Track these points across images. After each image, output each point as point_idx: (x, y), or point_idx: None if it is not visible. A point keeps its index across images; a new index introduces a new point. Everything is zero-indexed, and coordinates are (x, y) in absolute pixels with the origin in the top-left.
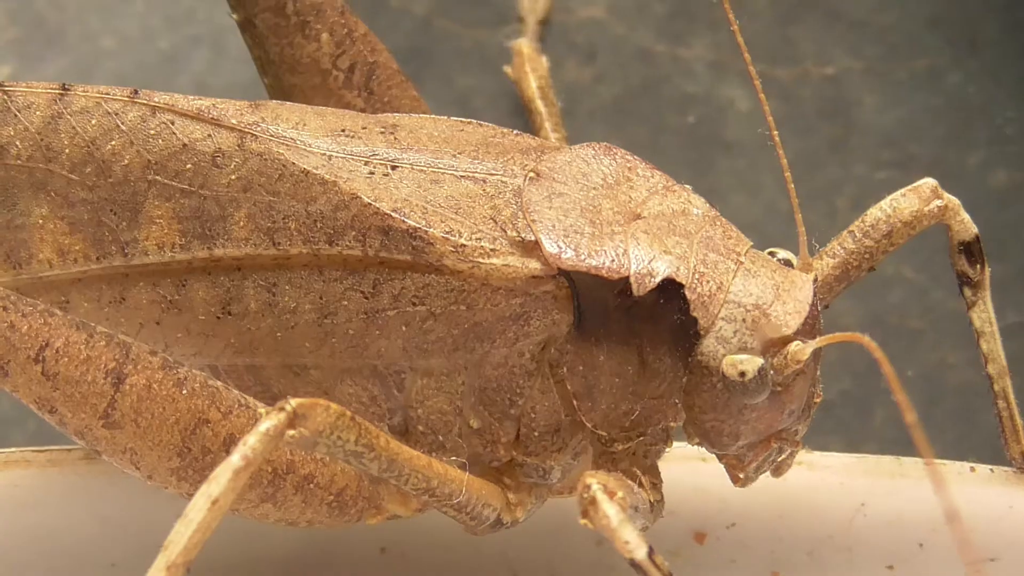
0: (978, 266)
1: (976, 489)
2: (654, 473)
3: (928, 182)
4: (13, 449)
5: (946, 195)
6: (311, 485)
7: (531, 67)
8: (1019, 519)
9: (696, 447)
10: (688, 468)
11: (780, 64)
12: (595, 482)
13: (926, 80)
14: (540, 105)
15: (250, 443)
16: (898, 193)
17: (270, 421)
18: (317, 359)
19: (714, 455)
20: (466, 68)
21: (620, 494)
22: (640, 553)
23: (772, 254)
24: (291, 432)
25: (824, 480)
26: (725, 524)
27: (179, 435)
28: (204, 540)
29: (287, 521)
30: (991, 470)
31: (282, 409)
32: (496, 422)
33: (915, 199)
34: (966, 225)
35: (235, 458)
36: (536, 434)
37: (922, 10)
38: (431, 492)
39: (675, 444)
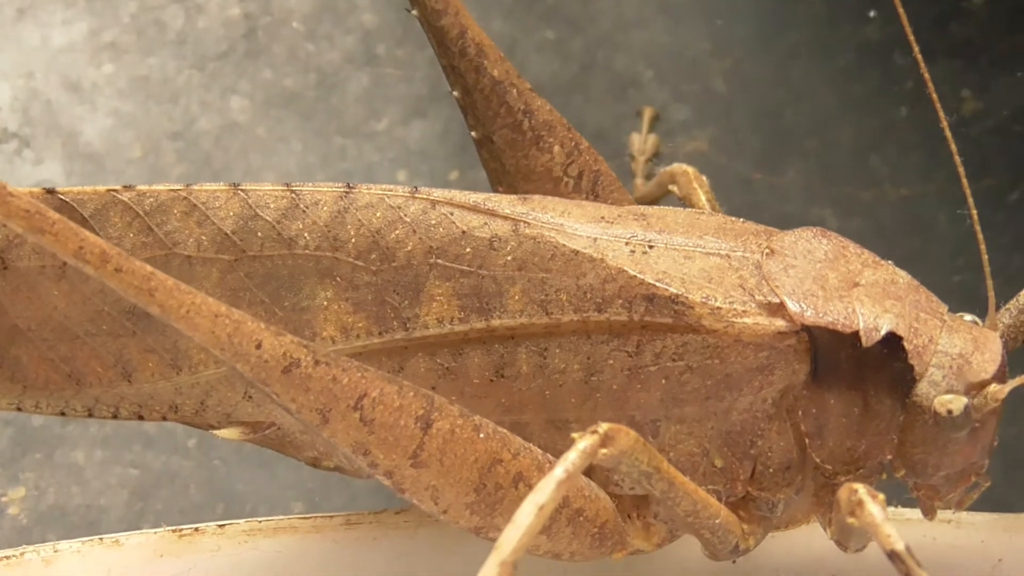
0: None
1: None
2: None
3: None
4: (282, 517)
5: None
6: (581, 518)
7: (697, 184)
8: None
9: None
10: None
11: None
12: (861, 487)
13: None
14: None
15: (570, 459)
16: None
17: (586, 440)
18: (580, 414)
19: (910, 488)
20: None
21: (881, 496)
22: (900, 545)
23: (961, 316)
24: (603, 451)
25: (968, 537)
26: None
27: (477, 473)
28: (528, 543)
29: (553, 553)
30: None
31: (595, 431)
32: (737, 461)
33: None
34: None
35: (558, 471)
36: (771, 471)
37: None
38: (696, 514)
39: None
